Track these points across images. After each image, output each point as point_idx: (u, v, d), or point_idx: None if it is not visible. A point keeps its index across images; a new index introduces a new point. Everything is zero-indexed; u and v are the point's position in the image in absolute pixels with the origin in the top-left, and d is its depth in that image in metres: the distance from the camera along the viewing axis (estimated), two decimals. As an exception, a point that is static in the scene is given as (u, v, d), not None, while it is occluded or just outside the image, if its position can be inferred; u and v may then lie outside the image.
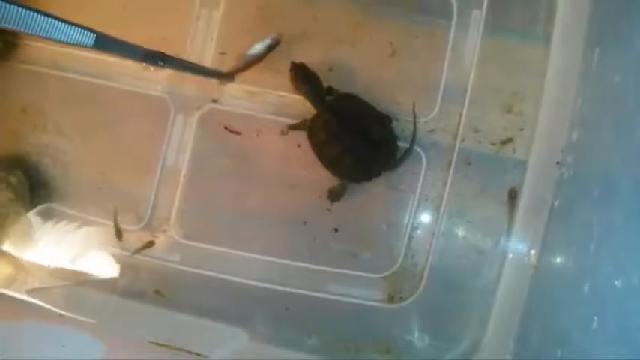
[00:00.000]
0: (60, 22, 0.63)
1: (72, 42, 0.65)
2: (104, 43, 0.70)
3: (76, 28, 0.65)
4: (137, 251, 1.15)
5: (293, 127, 1.12)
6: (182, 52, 1.17)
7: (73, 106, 1.19)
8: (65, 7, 1.20)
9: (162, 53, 0.89)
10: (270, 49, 1.11)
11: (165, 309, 1.13)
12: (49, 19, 0.62)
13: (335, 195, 1.13)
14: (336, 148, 1.05)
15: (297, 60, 1.09)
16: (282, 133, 1.13)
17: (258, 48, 1.10)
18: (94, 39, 0.68)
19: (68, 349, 0.99)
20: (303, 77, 1.08)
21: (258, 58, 1.11)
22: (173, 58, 0.93)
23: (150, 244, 1.16)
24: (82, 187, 1.19)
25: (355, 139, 1.06)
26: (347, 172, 1.09)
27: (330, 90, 1.12)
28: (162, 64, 0.90)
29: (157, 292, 1.14)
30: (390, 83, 1.15)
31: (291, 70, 1.09)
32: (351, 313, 1.14)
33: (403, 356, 1.12)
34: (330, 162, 1.08)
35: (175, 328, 1.11)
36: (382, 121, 1.09)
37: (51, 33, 0.62)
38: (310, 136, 1.09)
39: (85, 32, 0.67)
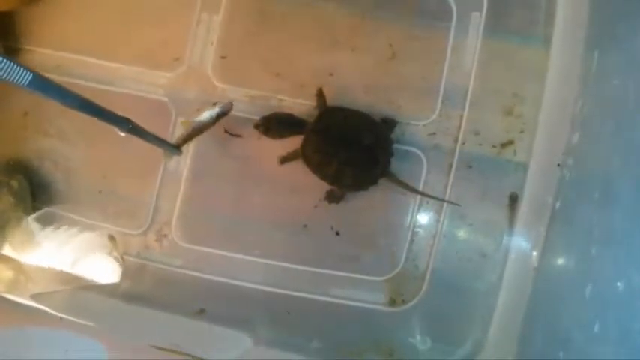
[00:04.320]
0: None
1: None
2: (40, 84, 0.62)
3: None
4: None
5: (285, 160, 1.12)
6: (183, 56, 1.18)
7: (74, 110, 1.20)
8: (66, 11, 1.22)
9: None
10: (220, 116, 1.05)
11: (167, 313, 1.13)
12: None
13: (334, 198, 1.13)
14: (334, 165, 1.06)
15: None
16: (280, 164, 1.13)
17: (206, 115, 1.05)
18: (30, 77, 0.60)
19: (71, 352, 0.99)
20: (269, 130, 1.09)
21: (207, 126, 1.06)
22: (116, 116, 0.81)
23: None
24: (83, 192, 1.20)
25: (349, 150, 1.06)
26: (352, 184, 1.09)
27: (320, 93, 1.11)
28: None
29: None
30: (390, 86, 1.15)
31: (255, 128, 1.09)
32: (353, 316, 1.14)
33: (406, 359, 1.12)
34: (332, 179, 1.09)
35: (177, 332, 1.11)
36: (370, 124, 1.09)
37: None
38: (306, 162, 1.09)
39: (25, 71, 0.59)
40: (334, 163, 1.06)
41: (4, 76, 0.57)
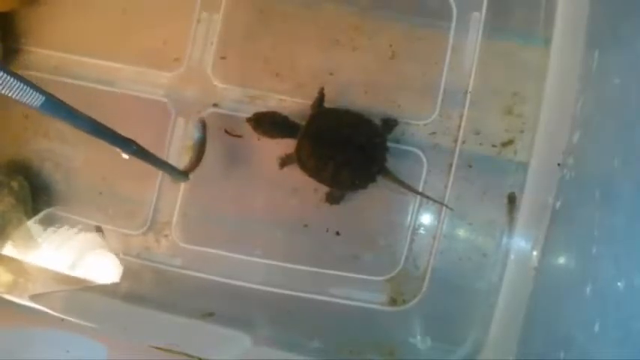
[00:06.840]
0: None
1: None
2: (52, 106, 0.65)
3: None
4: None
5: (284, 163, 1.12)
6: (182, 56, 1.18)
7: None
8: (66, 11, 1.22)
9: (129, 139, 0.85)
10: (204, 129, 1.11)
11: (167, 313, 1.13)
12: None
13: (334, 198, 1.13)
14: (330, 168, 1.05)
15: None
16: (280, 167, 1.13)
17: (196, 134, 1.10)
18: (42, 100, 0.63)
19: (72, 353, 1.00)
20: (259, 127, 1.09)
21: (202, 141, 1.10)
22: (138, 146, 0.87)
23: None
24: (83, 192, 1.20)
25: (344, 151, 1.05)
26: (351, 184, 1.09)
27: (321, 93, 1.11)
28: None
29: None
30: (390, 86, 1.15)
31: (247, 122, 1.09)
32: (354, 316, 1.14)
33: (406, 358, 1.12)
34: (330, 181, 1.09)
35: (177, 333, 1.11)
36: (363, 122, 1.08)
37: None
38: (302, 167, 1.09)
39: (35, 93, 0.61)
40: (330, 165, 1.05)
41: (16, 97, 0.58)
